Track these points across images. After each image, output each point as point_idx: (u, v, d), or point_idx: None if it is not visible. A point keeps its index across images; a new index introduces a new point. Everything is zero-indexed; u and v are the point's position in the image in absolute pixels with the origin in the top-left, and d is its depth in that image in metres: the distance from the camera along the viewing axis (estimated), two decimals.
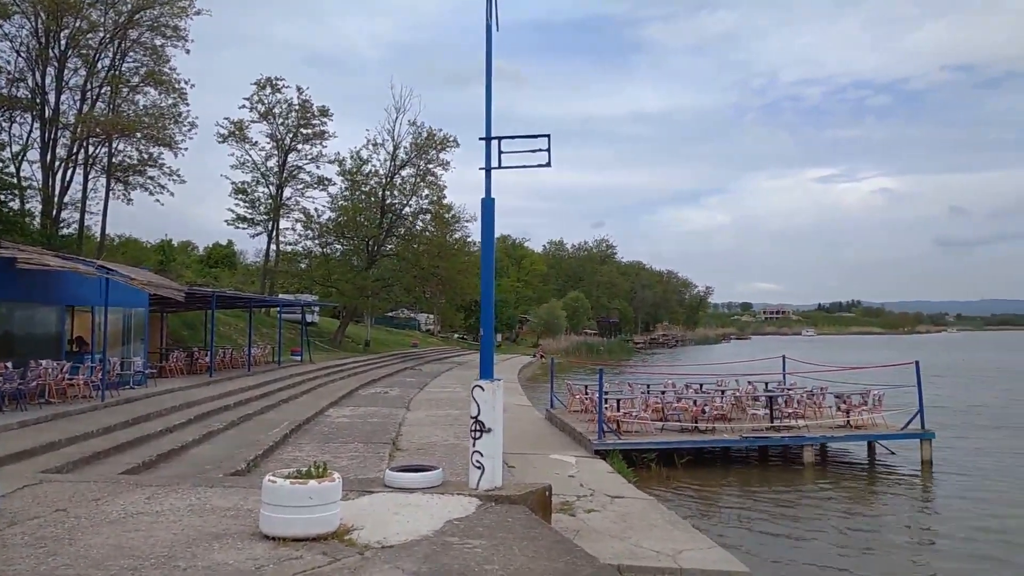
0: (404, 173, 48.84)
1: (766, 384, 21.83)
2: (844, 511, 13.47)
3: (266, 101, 45.77)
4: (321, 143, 47.46)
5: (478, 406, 7.71)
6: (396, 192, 48.84)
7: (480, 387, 7.74)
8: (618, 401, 18.23)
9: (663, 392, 20.70)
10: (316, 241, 48.76)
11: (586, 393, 20.46)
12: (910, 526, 12.77)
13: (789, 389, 20.70)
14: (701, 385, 22.65)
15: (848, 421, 18.26)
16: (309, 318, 43.52)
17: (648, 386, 22.45)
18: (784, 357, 24.94)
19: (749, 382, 22.34)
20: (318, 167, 48.06)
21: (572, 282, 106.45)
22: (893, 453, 18.16)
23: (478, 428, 7.69)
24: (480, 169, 8.02)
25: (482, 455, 7.65)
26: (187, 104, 36.26)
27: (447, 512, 7.06)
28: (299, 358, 32.95)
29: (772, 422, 17.92)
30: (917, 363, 18.21)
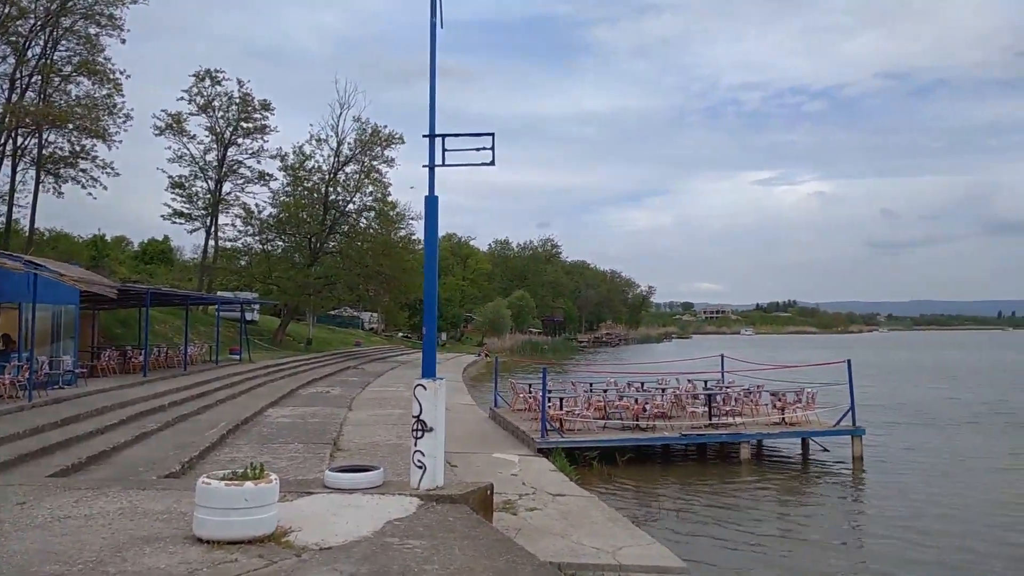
0: (348, 169, 48.24)
1: (705, 383, 22.27)
2: (779, 507, 13.83)
3: (205, 93, 44.67)
4: (262, 137, 46.51)
5: (420, 405, 7.67)
6: (340, 189, 48.20)
7: (422, 386, 7.70)
8: (561, 400, 18.37)
9: (605, 391, 20.94)
10: (257, 237, 47.79)
11: (530, 392, 20.56)
12: (841, 521, 13.18)
13: (727, 387, 21.15)
14: (642, 384, 22.97)
15: (783, 418, 18.75)
16: (249, 316, 42.68)
17: (591, 385, 22.64)
18: (723, 356, 25.44)
19: (689, 380, 22.75)
20: (259, 162, 47.11)
21: (517, 281, 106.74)
22: (826, 450, 18.71)
23: (420, 427, 7.66)
24: (424, 167, 7.98)
25: (423, 455, 7.61)
26: (122, 95, 35.13)
27: (388, 512, 7.01)
28: (238, 357, 32.27)
29: (711, 420, 18.29)
30: (848, 362, 18.82)
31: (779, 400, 19.31)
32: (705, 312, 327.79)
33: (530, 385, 21.29)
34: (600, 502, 11.45)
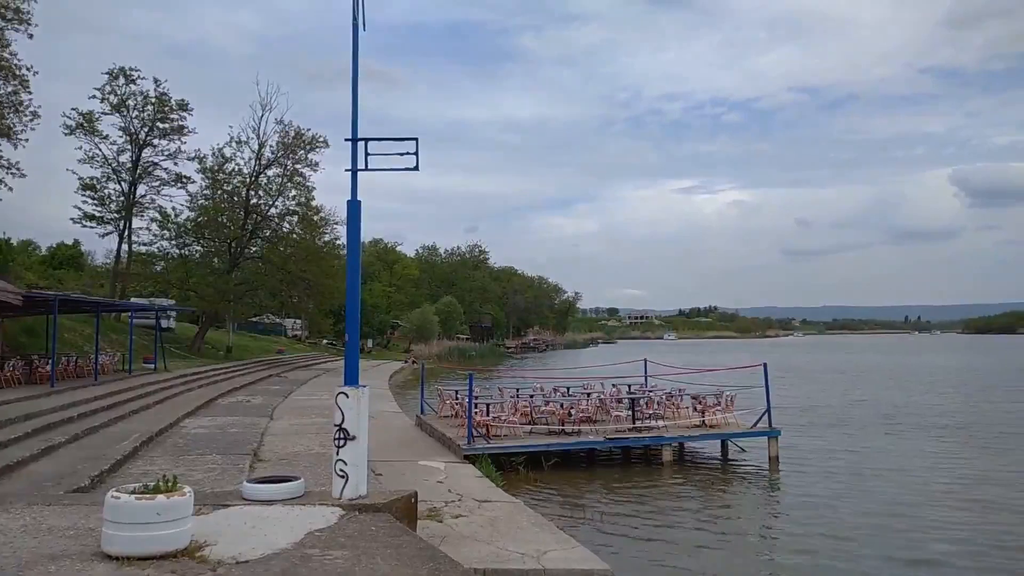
0: (270, 173, 47.15)
1: (629, 387, 22.64)
2: (700, 508, 14.15)
3: (119, 92, 43.02)
4: (180, 138, 45.06)
5: (342, 413, 7.54)
6: (261, 192, 47.07)
7: (344, 394, 7.58)
8: (488, 406, 18.38)
9: (532, 396, 21.05)
10: (173, 242, 46.21)
11: (456, 398, 20.49)
12: (758, 521, 13.57)
13: (650, 391, 21.55)
14: (568, 389, 23.19)
15: (703, 421, 19.22)
16: (165, 324, 41.17)
17: (518, 390, 22.75)
18: (645, 360, 25.92)
19: (613, 385, 23.11)
20: (176, 164, 45.59)
21: (445, 287, 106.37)
22: (744, 451, 19.27)
23: (342, 436, 7.52)
24: (346, 171, 7.87)
25: (346, 463, 7.48)
26: (29, 92, 33.49)
27: (308, 523, 6.86)
28: (153, 366, 31.08)
29: (634, 423, 18.60)
30: (765, 365, 19.45)
31: (700, 403, 19.79)
32: (630, 317, 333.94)
33: (457, 392, 21.22)
34: (526, 507, 11.49)
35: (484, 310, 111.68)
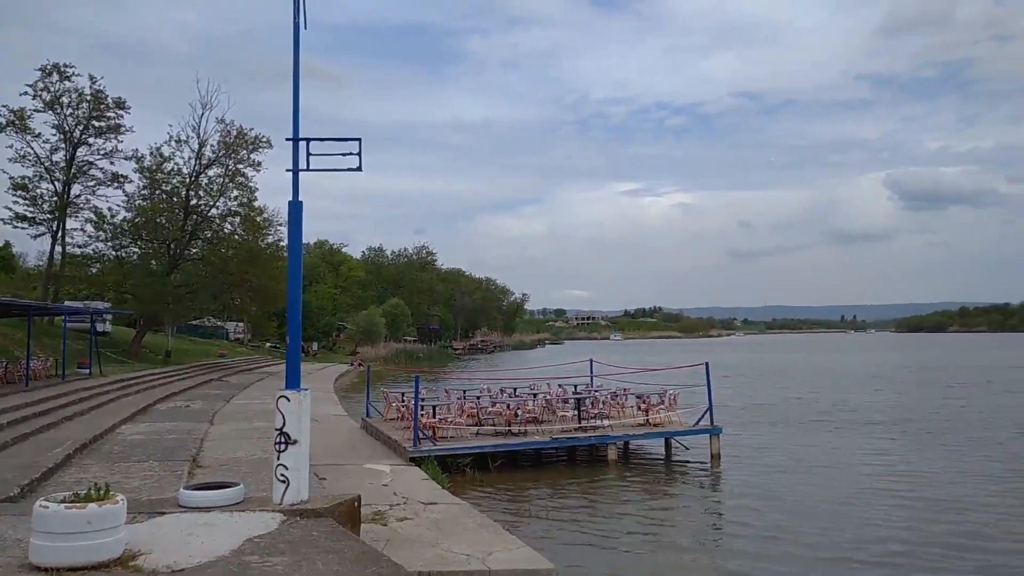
0: (211, 173, 46.07)
1: (575, 387, 22.82)
2: (644, 506, 14.34)
3: (52, 89, 41.48)
4: (116, 137, 43.65)
5: (283, 417, 7.43)
6: (202, 193, 45.95)
7: (285, 397, 7.47)
8: (434, 408, 18.31)
9: (479, 398, 21.05)
10: (109, 243, 44.78)
11: (402, 401, 20.37)
12: (701, 518, 13.82)
13: (596, 391, 21.75)
14: (515, 390, 23.24)
15: (647, 419, 19.48)
16: (100, 327, 39.92)
17: (465, 392, 22.73)
18: (591, 361, 26.15)
19: (560, 385, 23.26)
20: (112, 163, 44.18)
21: (392, 289, 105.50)
22: (687, 448, 19.60)
23: (283, 440, 7.41)
24: (287, 171, 7.76)
25: (287, 468, 7.37)
26: None
27: (248, 530, 6.73)
28: (88, 371, 30.10)
29: (580, 423, 18.76)
30: (707, 364, 19.83)
31: (644, 402, 20.06)
32: (576, 318, 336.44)
33: (403, 394, 21.10)
34: (472, 509, 11.48)
35: (432, 312, 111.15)
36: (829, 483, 16.03)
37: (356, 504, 7.90)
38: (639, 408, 20.13)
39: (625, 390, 21.74)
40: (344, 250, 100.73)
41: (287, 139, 7.78)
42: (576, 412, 19.15)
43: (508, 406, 19.10)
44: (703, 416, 19.11)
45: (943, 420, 25.79)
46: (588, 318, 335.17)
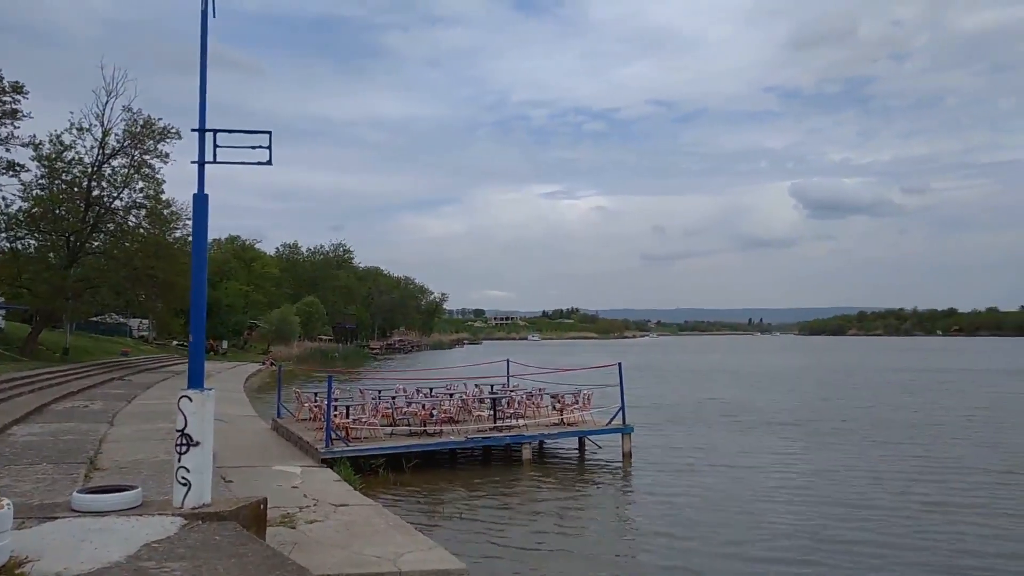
0: (115, 163, 44.01)
1: (491, 387, 22.88)
2: (557, 504, 14.47)
3: None
4: (12, 123, 41.15)
5: (185, 418, 7.16)
6: (105, 184, 43.88)
7: (188, 397, 7.20)
8: (347, 408, 18.02)
9: (394, 397, 20.84)
10: (4, 235, 42.31)
11: (315, 401, 19.97)
12: (612, 516, 14.04)
13: (512, 391, 21.86)
14: (431, 390, 23.12)
15: (562, 419, 19.70)
16: None
17: (379, 392, 22.46)
18: (508, 361, 26.28)
19: (476, 385, 23.26)
20: (8, 150, 41.64)
21: (307, 287, 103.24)
22: (600, 447, 19.91)
23: (184, 442, 7.14)
24: (192, 163, 7.48)
25: (188, 471, 7.11)
26: None
27: (145, 535, 6.46)
28: None
29: (495, 423, 18.80)
30: (620, 365, 20.21)
31: (559, 402, 20.27)
32: (495, 319, 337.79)
33: (315, 394, 20.68)
34: (384, 510, 11.34)
35: (348, 311, 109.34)
36: (735, 483, 16.40)
37: (262, 507, 7.68)
38: (554, 408, 20.33)
39: (540, 390, 21.93)
40: (258, 246, 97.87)
41: (192, 130, 7.50)
42: (492, 412, 19.18)
43: (423, 406, 18.98)
44: (616, 415, 19.45)
45: (843, 420, 26.90)
46: (507, 318, 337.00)
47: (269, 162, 7.50)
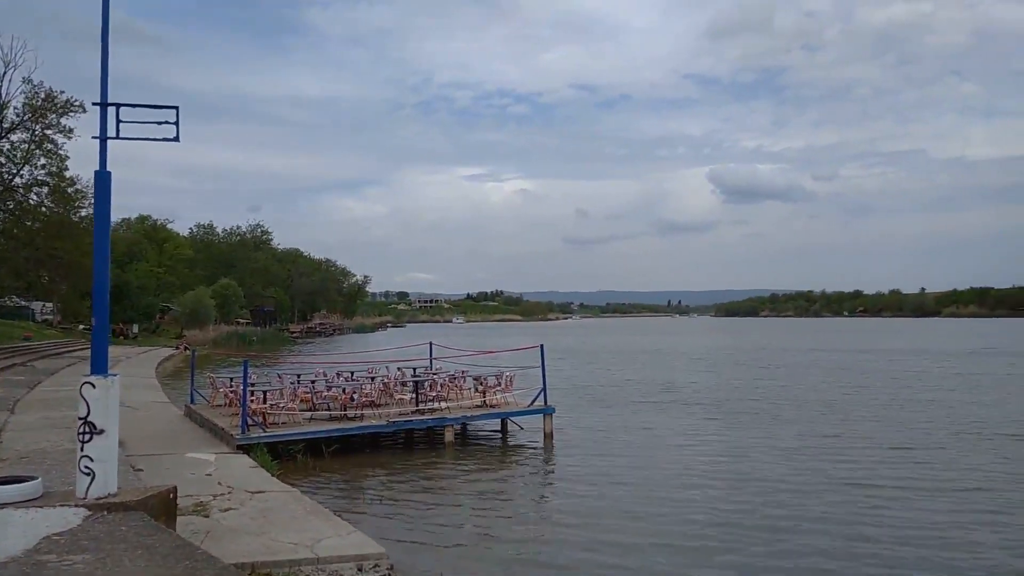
0: (14, 138, 41.67)
1: (414, 370, 22.75)
2: (479, 486, 14.52)
3: None
4: None
5: (88, 405, 6.86)
6: (3, 160, 41.52)
7: (90, 384, 6.89)
8: (265, 393, 17.63)
9: (314, 381, 20.50)
10: None
11: (230, 386, 19.46)
12: (533, 495, 14.22)
13: (434, 374, 21.80)
14: (352, 373, 22.84)
15: (485, 401, 19.77)
16: None
17: (299, 376, 22.07)
18: (431, 344, 26.19)
19: (398, 368, 23.10)
20: None
21: (223, 268, 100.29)
22: (522, 428, 20.10)
23: (88, 430, 6.84)
24: (93, 138, 7.12)
25: (92, 460, 6.81)
26: None
27: (45, 527, 6.18)
28: None
29: (417, 406, 18.73)
30: (542, 347, 20.40)
31: (481, 384, 20.33)
32: (420, 301, 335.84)
33: (231, 379, 20.14)
34: (302, 496, 11.17)
35: (267, 294, 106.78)
36: (654, 463, 16.55)
37: (172, 495, 7.45)
38: (477, 390, 20.38)
39: (463, 373, 21.95)
40: (170, 226, 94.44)
41: (94, 103, 7.13)
42: (414, 395, 19.10)
43: (344, 390, 18.73)
44: (537, 397, 19.64)
45: (759, 400, 27.72)
46: (431, 301, 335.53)
47: (176, 138, 7.20)
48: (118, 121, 7.12)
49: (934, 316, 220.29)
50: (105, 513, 6.63)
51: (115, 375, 7.16)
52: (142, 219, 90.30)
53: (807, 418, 22.92)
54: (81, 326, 66.87)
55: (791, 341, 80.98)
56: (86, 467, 6.82)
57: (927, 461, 16.39)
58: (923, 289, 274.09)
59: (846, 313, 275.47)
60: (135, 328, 67.26)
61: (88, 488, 6.82)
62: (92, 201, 40.86)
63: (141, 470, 12.13)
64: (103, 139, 7.11)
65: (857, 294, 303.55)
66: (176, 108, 7.20)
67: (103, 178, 7.16)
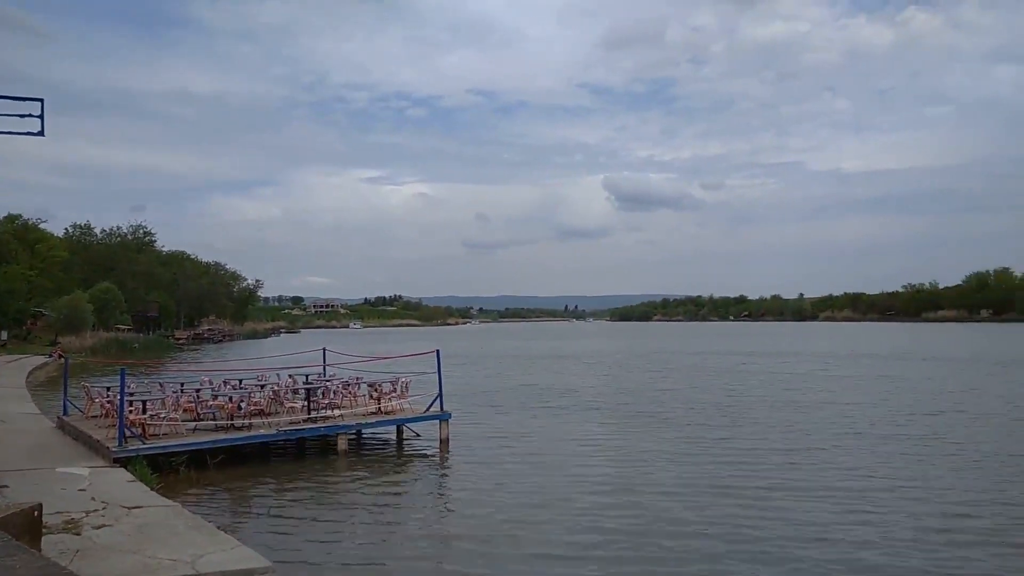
0: None
1: (307, 377, 22.20)
2: (373, 495, 14.26)
3: None
4: None
5: None
6: None
7: None
8: (144, 403, 16.78)
9: (199, 390, 19.68)
10: None
11: (107, 396, 18.42)
12: (429, 504, 13.95)
13: (328, 381, 21.34)
14: (240, 381, 22.07)
15: (379, 407, 19.51)
16: None
17: (183, 384, 21.13)
18: (324, 350, 25.65)
19: (290, 375, 22.48)
20: None
21: (102, 272, 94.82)
22: (418, 435, 19.94)
23: None
24: None
25: None
26: None
27: None
28: None
29: (309, 414, 18.27)
30: (438, 352, 20.33)
31: (376, 390, 20.05)
32: (315, 306, 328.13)
33: (108, 388, 19.08)
34: (184, 510, 10.69)
35: (150, 298, 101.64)
36: (548, 470, 16.41)
37: (36, 513, 6.97)
38: (371, 397, 20.08)
39: (358, 379, 21.57)
40: (43, 226, 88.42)
41: None
42: (306, 403, 18.63)
43: (231, 399, 18.06)
44: (433, 403, 19.54)
45: (652, 403, 28.23)
46: (328, 306, 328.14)
47: (41, 133, 6.75)
48: None
49: (812, 320, 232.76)
50: None
51: None
52: (11, 218, 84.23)
53: (697, 421, 23.52)
54: None
55: (682, 344, 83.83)
56: None
57: (809, 463, 16.82)
58: (802, 295, 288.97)
59: (732, 317, 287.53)
60: (3, 335, 62.74)
61: None
62: None
63: (6, 486, 11.31)
64: None
65: (742, 299, 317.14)
66: (41, 100, 6.76)
67: None
